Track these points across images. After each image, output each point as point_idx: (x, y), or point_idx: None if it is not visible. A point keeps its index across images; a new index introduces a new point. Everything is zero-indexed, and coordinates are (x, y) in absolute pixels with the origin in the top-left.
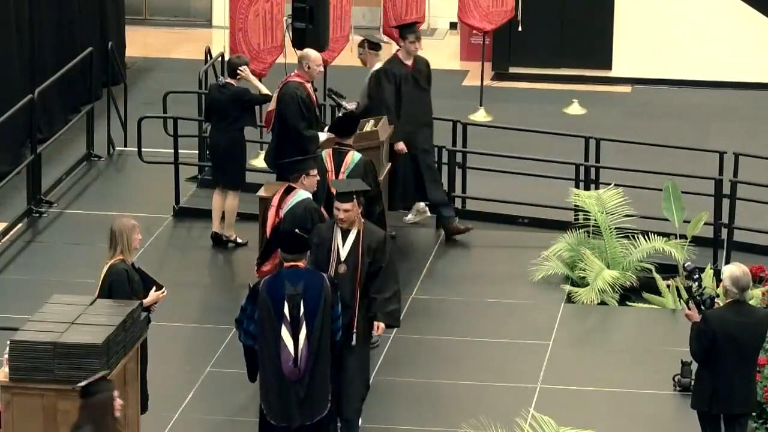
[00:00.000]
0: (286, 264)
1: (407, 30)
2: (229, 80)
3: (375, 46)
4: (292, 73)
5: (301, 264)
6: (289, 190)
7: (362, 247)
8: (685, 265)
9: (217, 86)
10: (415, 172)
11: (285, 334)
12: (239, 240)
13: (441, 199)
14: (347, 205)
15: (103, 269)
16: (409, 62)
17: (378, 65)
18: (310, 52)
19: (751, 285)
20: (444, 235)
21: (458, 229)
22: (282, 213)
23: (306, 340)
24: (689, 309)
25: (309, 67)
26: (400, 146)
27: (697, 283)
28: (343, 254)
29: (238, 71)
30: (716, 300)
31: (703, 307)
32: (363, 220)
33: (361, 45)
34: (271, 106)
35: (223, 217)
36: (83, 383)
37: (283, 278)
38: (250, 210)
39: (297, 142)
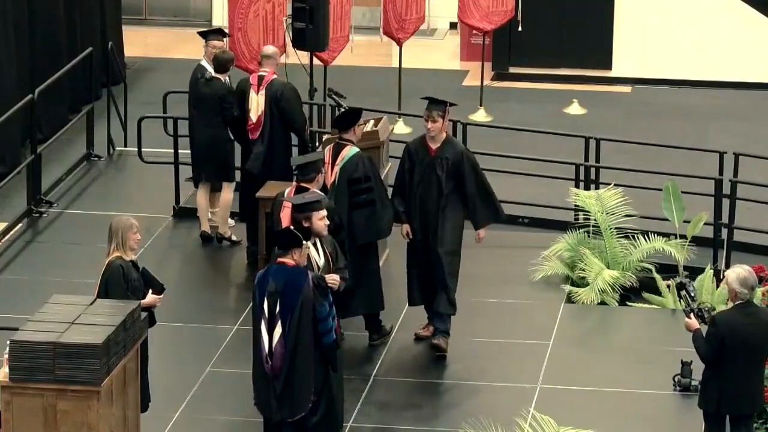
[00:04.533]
0: (277, 260)
1: (428, 104)
2: (216, 75)
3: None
4: (268, 71)
5: (288, 260)
6: (299, 190)
7: (329, 253)
8: (680, 280)
9: (204, 80)
10: (422, 269)
11: (263, 330)
12: (234, 238)
13: (443, 310)
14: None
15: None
16: (434, 145)
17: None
18: (274, 48)
19: (757, 283)
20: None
21: (438, 346)
22: None
23: (281, 338)
24: (688, 318)
25: (278, 64)
26: (405, 229)
27: (692, 295)
28: (321, 262)
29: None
30: (712, 312)
31: (701, 319)
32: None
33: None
34: (260, 109)
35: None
36: None
37: (270, 275)
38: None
39: (300, 134)
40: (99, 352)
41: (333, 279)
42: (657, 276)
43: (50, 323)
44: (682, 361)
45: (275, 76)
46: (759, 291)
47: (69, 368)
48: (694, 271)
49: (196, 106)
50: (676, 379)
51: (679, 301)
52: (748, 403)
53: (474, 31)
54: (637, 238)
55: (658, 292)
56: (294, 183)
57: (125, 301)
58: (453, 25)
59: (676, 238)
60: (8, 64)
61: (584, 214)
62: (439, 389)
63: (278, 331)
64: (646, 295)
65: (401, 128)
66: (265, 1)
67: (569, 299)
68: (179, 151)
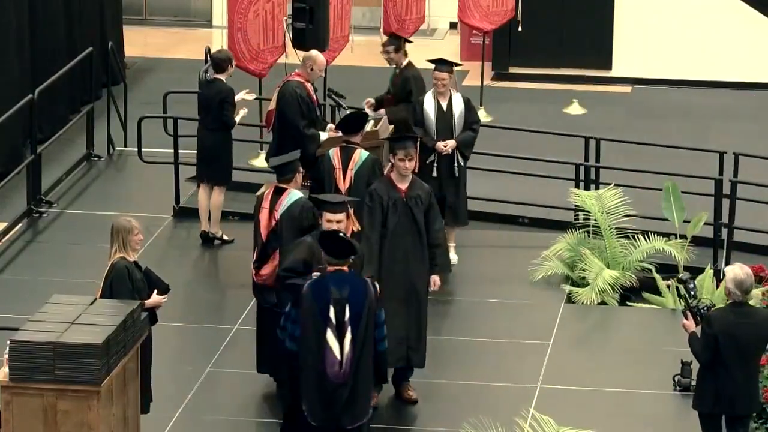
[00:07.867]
0: (330, 268)
1: (397, 144)
2: (216, 75)
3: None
4: (293, 72)
5: (345, 268)
6: (279, 191)
7: None
8: (681, 276)
9: (206, 82)
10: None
11: (330, 337)
12: (225, 237)
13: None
14: (340, 216)
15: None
16: (403, 185)
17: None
18: (318, 57)
19: (753, 286)
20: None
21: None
22: (278, 215)
23: (351, 344)
24: (687, 319)
25: (312, 70)
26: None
27: (692, 293)
28: None
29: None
30: (711, 309)
31: (699, 318)
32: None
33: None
34: (271, 105)
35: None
36: None
37: (329, 282)
38: (252, 210)
39: (297, 140)
40: (99, 352)
41: None
42: (657, 276)
43: (50, 323)
44: (682, 361)
45: (297, 78)
46: (759, 291)
47: (69, 368)
48: (694, 271)
49: (200, 107)
50: (676, 379)
51: (680, 300)
52: (744, 404)
53: (474, 31)
54: (637, 238)
55: (658, 292)
56: (273, 183)
57: (125, 301)
58: (453, 25)
59: (676, 238)
60: (8, 64)
61: (584, 214)
62: (439, 389)
63: (349, 337)
64: (646, 295)
65: None
66: (265, 1)
67: (569, 299)
68: (179, 151)
